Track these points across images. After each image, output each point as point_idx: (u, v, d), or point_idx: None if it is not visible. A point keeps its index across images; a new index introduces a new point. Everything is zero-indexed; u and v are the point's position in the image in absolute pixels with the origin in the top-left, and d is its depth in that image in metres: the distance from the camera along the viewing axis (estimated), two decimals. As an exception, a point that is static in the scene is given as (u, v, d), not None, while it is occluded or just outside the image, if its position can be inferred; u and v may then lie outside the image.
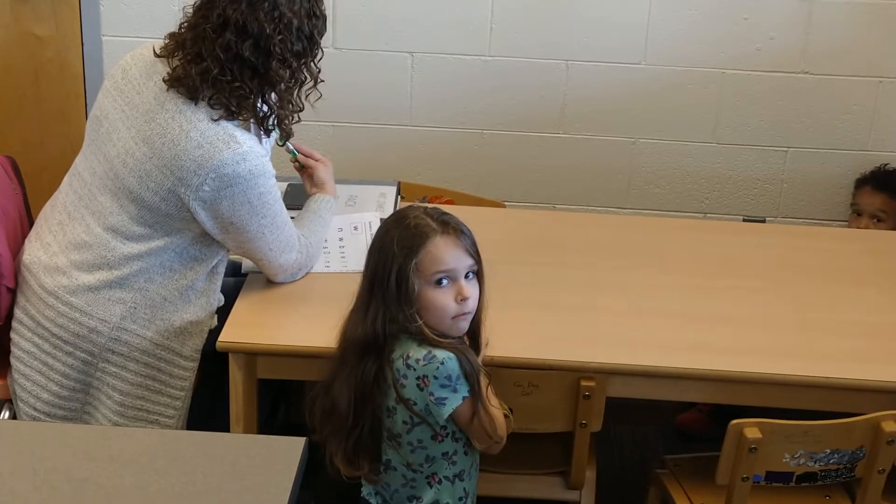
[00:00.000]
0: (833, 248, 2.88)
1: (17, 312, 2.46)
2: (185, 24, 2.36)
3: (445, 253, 2.01)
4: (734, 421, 2.14)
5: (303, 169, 2.71)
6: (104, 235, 2.37)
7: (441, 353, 1.99)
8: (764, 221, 3.54)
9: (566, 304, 2.50)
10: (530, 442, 2.35)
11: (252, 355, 2.31)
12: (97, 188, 2.39)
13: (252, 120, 2.38)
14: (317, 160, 2.71)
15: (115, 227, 2.37)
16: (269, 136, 2.47)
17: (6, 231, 2.50)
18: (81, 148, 2.50)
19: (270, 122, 2.41)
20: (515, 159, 3.56)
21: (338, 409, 2.05)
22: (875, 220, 3.29)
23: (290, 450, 1.71)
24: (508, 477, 2.42)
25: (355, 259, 2.55)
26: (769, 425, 2.13)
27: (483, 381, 2.03)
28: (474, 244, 2.06)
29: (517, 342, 2.27)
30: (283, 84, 2.35)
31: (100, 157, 2.40)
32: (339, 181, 2.76)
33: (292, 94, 2.40)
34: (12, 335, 2.46)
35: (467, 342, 2.10)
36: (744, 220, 3.54)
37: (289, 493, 1.61)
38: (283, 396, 2.91)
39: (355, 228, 2.69)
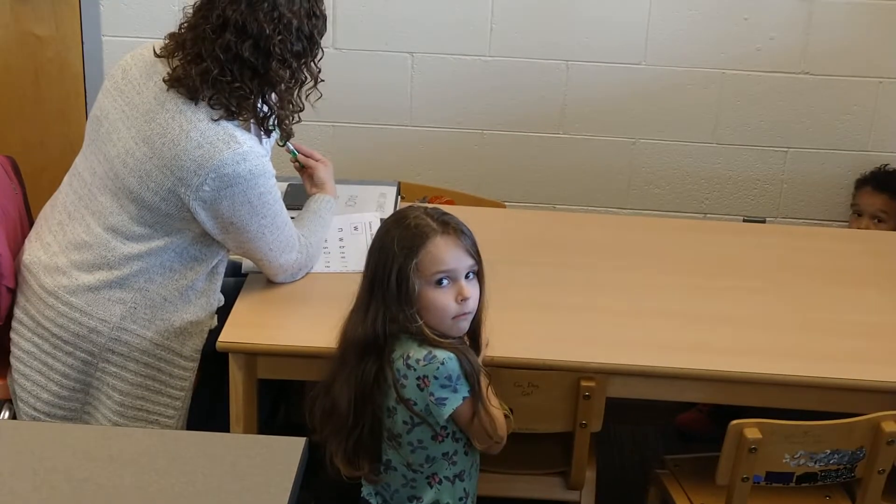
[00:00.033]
0: (833, 248, 2.88)
1: (17, 312, 2.46)
2: (185, 25, 2.36)
3: (446, 253, 2.01)
4: (734, 421, 2.14)
5: (303, 169, 2.71)
6: (104, 235, 2.37)
7: (441, 354, 1.99)
8: (764, 222, 3.54)
9: (566, 304, 2.50)
10: (530, 442, 2.35)
11: (252, 355, 2.31)
12: (97, 188, 2.39)
13: (252, 120, 2.38)
14: (317, 160, 2.71)
15: (115, 227, 2.37)
16: (269, 137, 2.47)
17: (6, 231, 2.50)
18: (81, 148, 2.50)
19: (271, 123, 2.41)
20: (515, 159, 3.56)
21: (338, 410, 2.05)
22: (876, 220, 3.29)
23: (290, 450, 1.71)
24: (508, 477, 2.42)
25: (355, 259, 2.55)
26: (769, 426, 2.13)
27: (483, 381, 2.03)
28: (475, 244, 2.06)
29: (517, 342, 2.27)
30: (283, 84, 2.35)
31: (100, 157, 2.40)
32: (339, 181, 2.76)
33: (292, 95, 2.40)
34: (12, 335, 2.46)
35: (467, 342, 2.10)
36: (744, 221, 3.54)
37: (289, 494, 1.61)
38: (283, 396, 2.91)
39: (355, 228, 2.69)
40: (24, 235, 2.56)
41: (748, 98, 3.47)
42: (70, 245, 2.41)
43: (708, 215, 3.61)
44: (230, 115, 2.32)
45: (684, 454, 2.52)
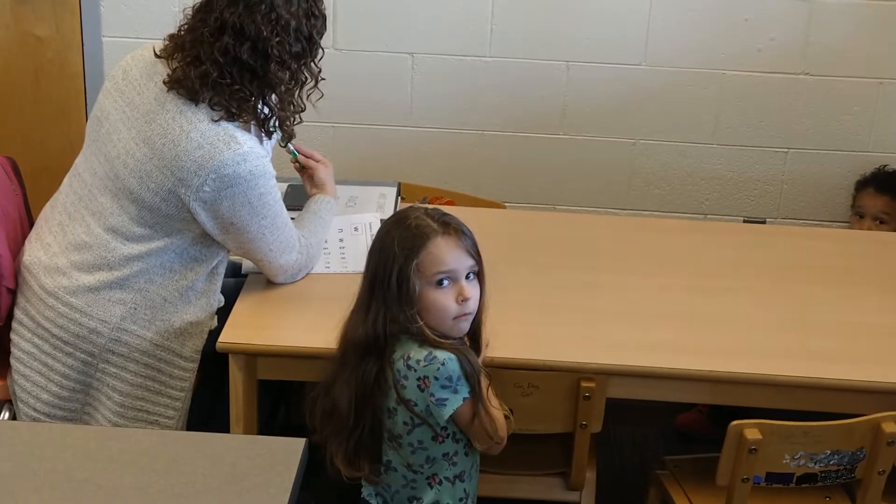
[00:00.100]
0: (833, 249, 2.88)
1: (18, 313, 2.46)
2: (185, 27, 2.35)
3: (446, 253, 2.01)
4: (734, 422, 2.14)
5: (303, 170, 2.71)
6: (104, 236, 2.37)
7: (442, 354, 1.99)
8: (764, 222, 3.54)
9: (566, 304, 2.50)
10: (530, 443, 2.35)
11: (252, 356, 2.31)
12: (97, 189, 2.39)
13: (253, 121, 2.38)
14: (317, 161, 2.71)
15: (115, 227, 2.37)
16: (270, 138, 2.47)
17: (6, 232, 2.50)
18: (82, 148, 2.50)
19: (272, 124, 2.41)
20: (516, 160, 3.56)
21: (338, 410, 2.05)
22: (878, 222, 3.29)
23: (290, 450, 1.71)
24: (509, 478, 2.42)
25: (355, 260, 2.55)
26: (769, 426, 2.13)
27: (484, 381, 2.03)
28: (475, 245, 2.06)
29: (517, 343, 2.27)
30: (282, 86, 2.35)
31: (100, 157, 2.40)
32: (339, 182, 2.76)
33: (293, 96, 2.40)
34: (12, 336, 2.46)
35: (468, 343, 2.10)
36: (744, 222, 3.54)
37: (289, 494, 1.61)
38: (284, 397, 2.91)
39: (355, 229, 2.69)
40: (25, 236, 2.56)
41: (748, 99, 3.47)
42: (70, 246, 2.41)
43: (708, 216, 3.61)
44: (230, 116, 2.31)
45: (684, 455, 2.52)
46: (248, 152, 2.30)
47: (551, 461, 2.44)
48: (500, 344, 2.15)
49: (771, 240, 2.95)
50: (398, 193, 2.95)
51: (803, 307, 2.54)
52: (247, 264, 2.54)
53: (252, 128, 2.41)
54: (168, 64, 2.34)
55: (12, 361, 2.46)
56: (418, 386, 2.00)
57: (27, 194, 2.74)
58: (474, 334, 2.10)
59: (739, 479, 2.17)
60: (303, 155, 2.69)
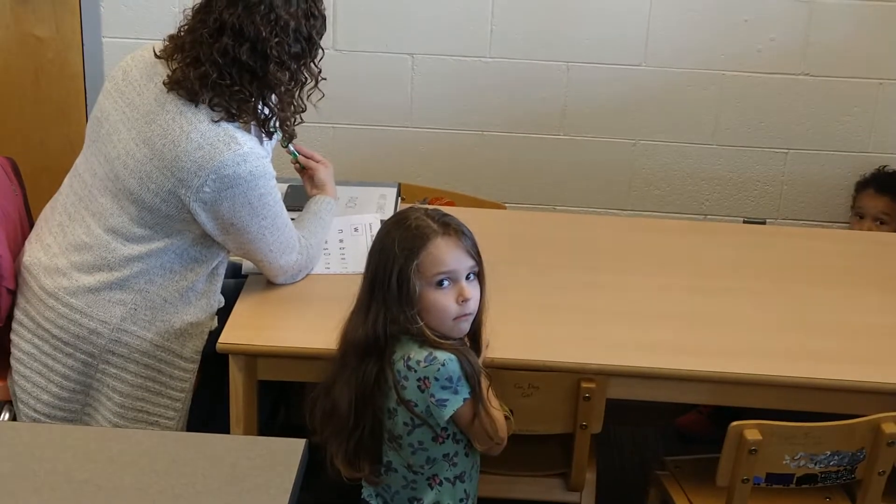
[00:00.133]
0: (834, 249, 2.88)
1: (18, 314, 2.46)
2: (185, 27, 2.35)
3: (446, 254, 2.01)
4: (734, 423, 2.14)
5: (303, 170, 2.71)
6: (104, 237, 2.37)
7: (442, 355, 1.99)
8: (764, 223, 3.54)
9: (566, 305, 2.50)
10: (531, 443, 2.35)
11: (252, 357, 2.31)
12: (97, 189, 2.39)
13: (253, 122, 2.38)
14: (317, 162, 2.71)
15: (115, 228, 2.36)
16: (270, 139, 2.47)
17: (6, 232, 2.50)
18: (82, 149, 2.50)
19: (272, 124, 2.41)
20: (516, 161, 3.56)
21: (338, 411, 2.05)
22: (878, 222, 3.29)
23: (290, 451, 1.71)
24: (509, 478, 2.42)
25: (355, 260, 2.55)
26: (769, 427, 2.13)
27: (484, 382, 2.03)
28: (475, 245, 2.06)
29: (517, 344, 2.27)
30: (282, 86, 2.35)
31: (100, 158, 2.40)
32: (339, 183, 2.76)
33: (293, 96, 2.40)
34: (12, 336, 2.46)
35: (468, 344, 2.10)
36: (744, 222, 3.54)
37: (289, 495, 1.61)
38: (284, 398, 2.91)
39: (355, 230, 2.69)
40: (25, 237, 2.56)
41: (748, 99, 3.47)
42: (70, 246, 2.41)
43: (708, 217, 3.61)
44: (231, 117, 2.31)
45: (684, 455, 2.52)
46: (249, 153, 2.30)
47: (551, 462, 2.44)
48: (501, 344, 2.15)
49: (771, 240, 2.95)
50: (398, 194, 2.95)
51: (803, 308, 2.54)
52: (247, 265, 2.54)
53: (252, 128, 2.41)
54: (168, 65, 2.34)
55: (12, 362, 2.46)
56: (418, 387, 2.00)
57: (27, 195, 2.74)
58: (474, 335, 2.10)
59: (739, 479, 2.17)
60: (303, 156, 2.70)
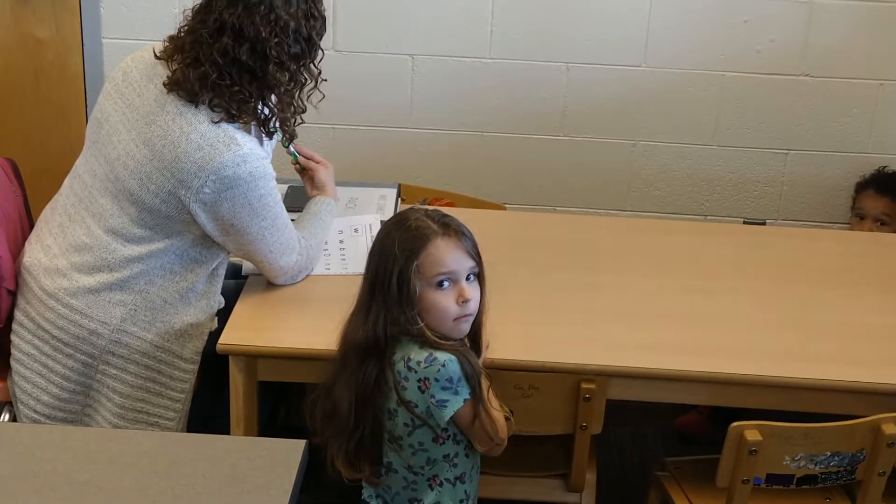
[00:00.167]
0: (834, 250, 2.88)
1: (18, 315, 2.46)
2: (185, 28, 2.36)
3: (446, 255, 2.01)
4: (734, 423, 2.14)
5: (304, 171, 2.71)
6: (104, 237, 2.37)
7: (442, 356, 1.99)
8: (764, 224, 3.54)
9: (566, 306, 2.50)
10: (531, 444, 2.35)
11: (252, 357, 2.31)
12: (98, 190, 2.39)
13: (253, 122, 2.38)
14: (318, 162, 2.71)
15: (115, 229, 2.37)
16: (270, 139, 2.47)
17: (6, 233, 2.50)
18: (82, 150, 2.50)
19: (272, 125, 2.41)
20: (516, 161, 3.56)
21: (339, 412, 2.05)
22: (878, 223, 3.28)
23: (290, 452, 1.71)
24: (509, 479, 2.42)
25: (355, 261, 2.55)
26: (769, 428, 2.13)
27: (484, 383, 2.03)
28: (475, 246, 2.06)
29: (518, 344, 2.27)
30: (282, 87, 2.34)
31: (100, 159, 2.40)
32: (339, 183, 2.76)
33: (292, 97, 2.40)
34: (12, 337, 2.46)
35: (468, 344, 2.10)
36: (744, 223, 3.54)
37: (289, 496, 1.61)
38: (284, 399, 2.91)
39: (355, 231, 2.69)
40: (25, 237, 2.56)
41: (748, 100, 3.47)
42: (70, 247, 2.41)
43: (708, 217, 3.61)
44: (231, 118, 2.31)
45: (684, 456, 2.52)
46: (248, 154, 2.30)
47: (552, 462, 2.44)
48: (501, 345, 2.15)
49: (771, 241, 2.95)
50: (398, 195, 2.95)
51: (803, 308, 2.54)
52: (247, 266, 2.54)
53: (252, 129, 2.41)
54: (168, 65, 2.34)
55: (12, 363, 2.46)
56: (419, 387, 2.00)
57: (27, 196, 2.74)
58: (475, 335, 2.10)
59: (740, 480, 2.17)
60: (303, 156, 2.70)
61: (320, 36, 2.39)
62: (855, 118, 3.47)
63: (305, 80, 2.40)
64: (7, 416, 2.51)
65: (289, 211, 2.47)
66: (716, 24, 3.40)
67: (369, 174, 3.36)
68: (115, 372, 2.41)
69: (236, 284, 2.53)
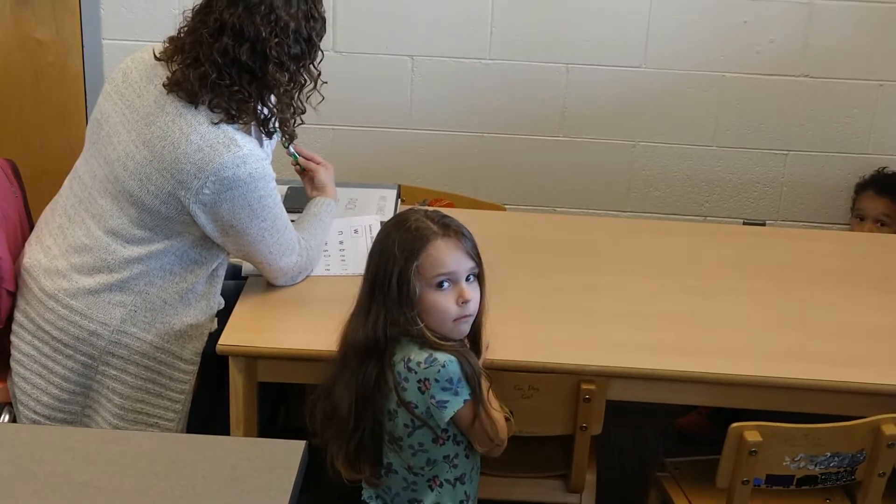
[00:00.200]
0: (833, 250, 2.88)
1: (18, 316, 2.46)
2: (185, 29, 2.36)
3: (446, 255, 2.01)
4: (734, 424, 2.14)
5: (304, 172, 2.71)
6: (104, 238, 2.37)
7: (442, 356, 1.99)
8: (764, 225, 3.54)
9: (566, 307, 2.50)
10: (531, 445, 2.35)
11: (252, 358, 2.31)
12: (97, 191, 2.39)
13: (253, 123, 2.38)
14: (318, 163, 2.71)
15: (115, 230, 2.37)
16: (270, 139, 2.47)
17: (6, 234, 2.50)
18: (82, 151, 2.50)
19: (272, 125, 2.41)
20: (515, 162, 3.56)
21: (339, 413, 2.05)
22: (879, 224, 3.28)
23: (290, 453, 1.71)
24: (509, 480, 2.42)
25: (355, 262, 2.56)
26: (769, 428, 2.13)
27: (484, 383, 2.03)
28: (475, 247, 2.06)
29: (518, 345, 2.27)
30: (281, 88, 2.35)
31: (100, 160, 2.40)
32: (339, 184, 2.76)
33: (292, 98, 2.40)
34: (12, 338, 2.46)
35: (468, 345, 2.10)
36: (744, 224, 3.54)
37: (289, 497, 1.61)
38: (284, 400, 2.91)
39: (355, 232, 2.69)
40: (25, 239, 2.56)
41: (748, 101, 3.47)
42: (70, 248, 2.41)
43: (708, 218, 3.61)
44: (230, 119, 2.32)
45: (684, 457, 2.52)
46: (248, 155, 2.30)
47: (552, 463, 2.44)
48: (501, 346, 2.15)
49: (771, 242, 2.95)
50: (398, 196, 2.95)
51: (803, 309, 2.54)
52: (247, 266, 2.54)
53: (252, 130, 2.41)
54: (168, 66, 2.34)
55: (12, 364, 2.46)
56: (419, 388, 2.00)
57: (27, 197, 2.74)
58: (474, 336, 2.11)
59: (739, 481, 2.17)
60: (303, 157, 2.70)
61: (320, 37, 2.39)
62: (855, 119, 3.47)
63: (305, 80, 2.40)
64: (7, 417, 2.51)
65: (289, 212, 2.47)
66: (715, 25, 3.40)
67: (369, 175, 3.35)
68: (114, 373, 2.41)
69: (236, 285, 2.53)
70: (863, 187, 3.39)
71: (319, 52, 2.41)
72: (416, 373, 2.00)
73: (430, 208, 2.25)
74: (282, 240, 2.42)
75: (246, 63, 2.28)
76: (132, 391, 2.41)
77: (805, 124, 3.49)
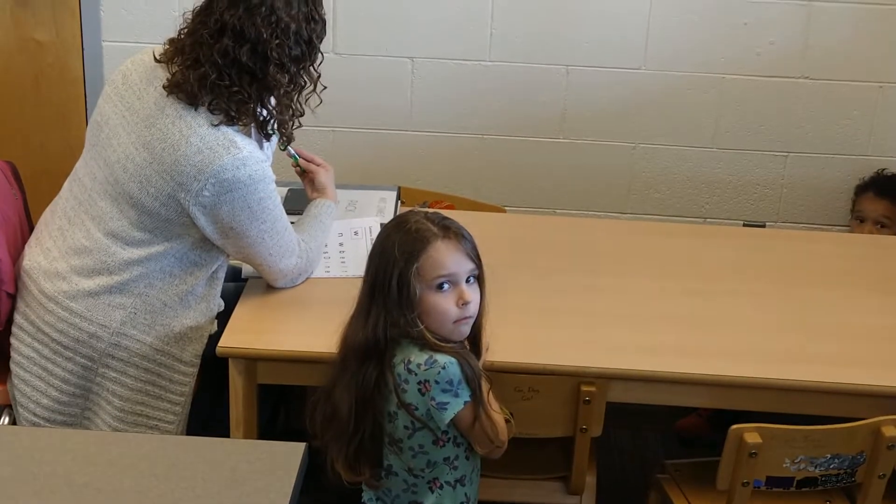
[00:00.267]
0: (833, 252, 2.88)
1: (18, 318, 2.46)
2: (185, 30, 2.36)
3: (446, 257, 2.01)
4: (734, 426, 2.14)
5: (304, 174, 2.71)
6: (104, 241, 2.37)
7: (442, 358, 1.99)
8: (764, 226, 3.54)
9: (566, 308, 2.50)
10: (531, 447, 2.35)
11: (252, 360, 2.31)
12: (97, 193, 2.39)
13: (252, 125, 2.38)
14: (318, 165, 2.71)
15: (115, 232, 2.37)
16: (269, 141, 2.47)
17: (6, 236, 2.50)
18: (82, 153, 2.50)
19: (270, 127, 2.41)
20: (516, 164, 3.56)
21: (339, 415, 2.05)
22: (879, 226, 3.28)
23: (290, 455, 1.71)
24: (509, 482, 2.42)
25: (355, 264, 2.55)
26: (769, 430, 2.13)
27: (484, 385, 2.03)
28: (475, 248, 2.06)
29: (518, 347, 2.27)
30: (282, 89, 2.35)
31: (100, 162, 2.40)
32: (339, 186, 2.77)
33: (292, 99, 2.40)
34: (12, 340, 2.46)
35: (468, 347, 2.10)
36: (744, 225, 3.54)
37: (289, 499, 1.61)
38: (284, 401, 2.91)
39: (355, 233, 2.69)
40: (25, 241, 2.56)
41: (748, 102, 3.47)
42: (70, 250, 2.41)
43: (708, 220, 3.61)
44: (230, 120, 2.32)
45: (684, 459, 2.52)
46: (248, 157, 2.30)
47: (552, 465, 2.44)
48: (501, 348, 2.15)
49: (771, 243, 2.95)
50: (398, 197, 2.95)
51: (803, 311, 2.54)
52: (247, 268, 2.54)
53: (252, 132, 2.41)
54: (168, 68, 2.34)
55: (12, 366, 2.46)
56: (419, 390, 2.00)
57: (27, 199, 2.74)
58: (475, 338, 2.10)
59: (740, 483, 2.17)
60: (304, 159, 2.70)
61: (320, 39, 2.40)
62: (855, 120, 3.47)
63: (305, 82, 2.40)
64: (7, 419, 2.51)
65: (289, 213, 2.47)
66: (715, 27, 3.40)
67: (369, 177, 3.36)
68: (114, 375, 2.41)
69: (236, 287, 2.53)
70: (863, 189, 3.39)
71: (319, 54, 2.41)
72: (416, 374, 2.00)
73: (431, 210, 2.25)
74: (282, 242, 2.42)
75: (246, 64, 2.28)
76: (132, 393, 2.41)
77: (805, 126, 3.49)
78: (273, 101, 2.38)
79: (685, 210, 3.60)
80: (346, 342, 2.07)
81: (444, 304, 2.01)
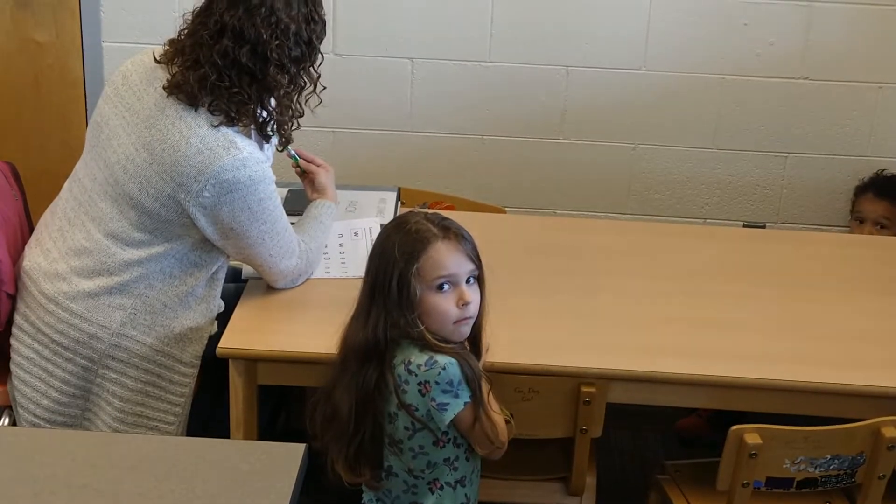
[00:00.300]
0: (833, 253, 2.88)
1: (18, 319, 2.46)
2: (185, 31, 2.36)
3: (447, 258, 2.01)
4: (734, 427, 2.14)
5: (304, 174, 2.71)
6: (104, 241, 2.37)
7: (442, 359, 1.99)
8: (764, 227, 3.54)
9: (566, 309, 2.50)
10: (531, 448, 2.35)
11: (252, 361, 2.31)
12: (97, 194, 2.40)
13: (252, 125, 2.38)
14: (318, 166, 2.71)
15: (115, 233, 2.37)
16: (268, 142, 2.47)
17: (6, 237, 2.50)
18: (82, 154, 2.50)
19: (270, 128, 2.41)
20: (516, 165, 3.56)
21: (339, 416, 2.05)
22: (878, 226, 3.28)
23: (290, 456, 1.71)
24: (509, 483, 2.42)
25: (355, 265, 2.55)
26: (769, 431, 2.13)
27: (484, 386, 2.03)
28: (475, 249, 2.06)
29: (518, 348, 2.27)
30: (281, 90, 2.35)
31: (100, 163, 2.40)
32: (339, 187, 2.77)
33: (292, 100, 2.40)
34: (12, 341, 2.46)
35: (468, 348, 2.10)
36: (744, 226, 3.54)
37: (289, 500, 1.61)
38: (284, 402, 2.91)
39: (355, 234, 2.69)
40: (25, 241, 2.56)
41: (748, 103, 3.47)
42: (70, 251, 2.41)
43: (708, 221, 3.61)
44: (230, 121, 2.32)
45: (685, 459, 2.52)
46: (248, 158, 2.30)
47: (552, 466, 2.44)
48: (501, 348, 2.15)
49: (770, 244, 2.95)
50: (398, 198, 2.95)
51: (803, 311, 2.54)
52: (247, 269, 2.54)
53: (252, 133, 2.41)
54: (168, 69, 2.34)
55: (12, 367, 2.46)
56: (419, 391, 2.00)
57: (27, 200, 2.74)
58: (475, 339, 2.10)
59: (740, 483, 2.17)
60: (304, 159, 2.70)
61: (320, 40, 2.40)
62: (854, 121, 3.47)
63: (305, 83, 2.40)
64: (7, 420, 2.51)
65: (289, 214, 2.47)
66: (715, 28, 3.40)
67: (369, 177, 3.36)
68: (114, 376, 2.41)
69: (236, 288, 2.54)
70: (862, 190, 3.39)
71: (319, 55, 2.41)
72: (416, 375, 2.00)
73: (431, 211, 2.25)
74: (282, 242, 2.42)
75: (246, 65, 2.28)
76: (132, 394, 2.41)
77: (805, 127, 3.49)
78: (273, 101, 2.38)
79: (685, 211, 3.60)
80: (347, 343, 2.07)
81: (445, 305, 2.01)
